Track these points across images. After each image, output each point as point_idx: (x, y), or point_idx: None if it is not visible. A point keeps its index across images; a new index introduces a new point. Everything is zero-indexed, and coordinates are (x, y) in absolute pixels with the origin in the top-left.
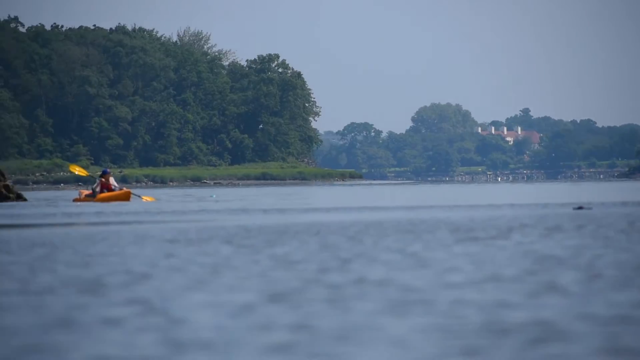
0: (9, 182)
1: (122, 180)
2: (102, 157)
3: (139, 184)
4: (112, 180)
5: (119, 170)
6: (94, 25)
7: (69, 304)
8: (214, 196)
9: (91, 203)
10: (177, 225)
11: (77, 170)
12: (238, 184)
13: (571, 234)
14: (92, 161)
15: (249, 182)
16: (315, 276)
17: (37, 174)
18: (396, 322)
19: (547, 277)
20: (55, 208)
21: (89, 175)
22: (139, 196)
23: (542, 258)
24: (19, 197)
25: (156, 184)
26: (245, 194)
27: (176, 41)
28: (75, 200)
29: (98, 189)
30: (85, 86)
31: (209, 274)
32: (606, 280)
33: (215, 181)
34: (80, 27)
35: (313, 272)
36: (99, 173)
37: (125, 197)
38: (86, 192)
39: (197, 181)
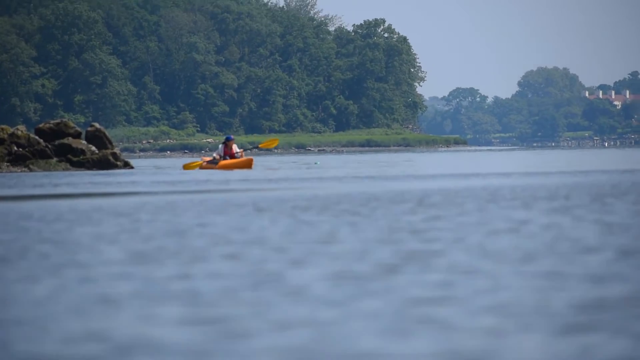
0: (116, 150)
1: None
2: (208, 124)
3: (244, 151)
4: (235, 147)
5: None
6: None
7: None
8: (318, 163)
9: (211, 170)
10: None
11: (189, 167)
12: (342, 150)
13: None
14: (198, 128)
15: (353, 149)
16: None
17: (143, 142)
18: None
19: None
20: (163, 176)
21: (209, 153)
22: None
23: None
24: (126, 165)
25: (261, 151)
26: (348, 161)
27: (283, 7)
28: (186, 167)
29: (220, 156)
30: (192, 53)
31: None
32: None
33: (319, 148)
34: None
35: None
36: (223, 140)
37: (248, 165)
38: (207, 158)
39: (301, 148)
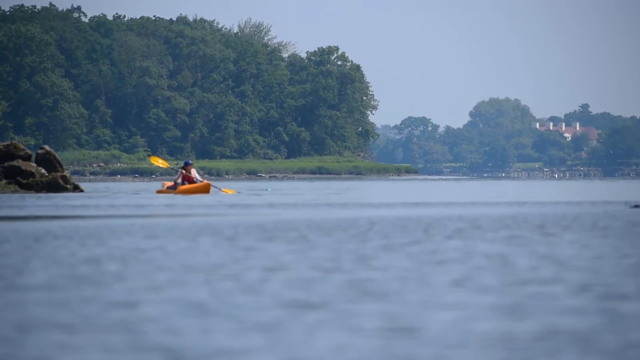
0: (66, 173)
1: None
2: (159, 149)
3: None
4: (194, 172)
5: (175, 162)
6: (155, 15)
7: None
8: (269, 189)
9: (170, 195)
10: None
11: (159, 162)
12: (293, 177)
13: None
14: (149, 153)
15: (304, 176)
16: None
17: (94, 165)
18: None
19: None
20: (111, 199)
21: (170, 168)
22: (219, 189)
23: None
24: (76, 188)
25: (212, 177)
26: (300, 188)
27: (237, 32)
28: (158, 192)
29: (179, 181)
30: (145, 77)
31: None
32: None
33: (270, 174)
34: (142, 17)
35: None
36: (181, 164)
37: (205, 190)
38: (168, 183)
39: (252, 174)
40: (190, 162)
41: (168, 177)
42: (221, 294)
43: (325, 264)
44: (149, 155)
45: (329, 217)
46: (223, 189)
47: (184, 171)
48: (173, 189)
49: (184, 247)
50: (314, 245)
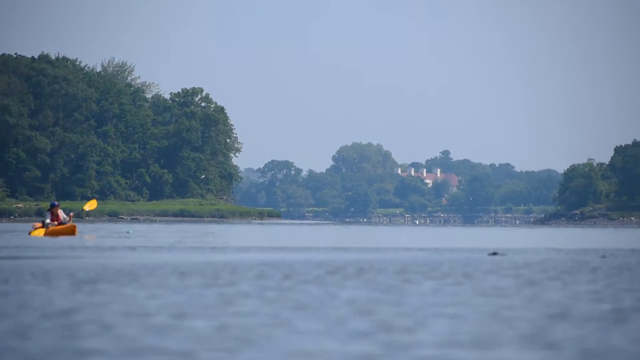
0: None
1: (38, 213)
2: (19, 190)
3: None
4: (61, 213)
5: (35, 203)
6: (16, 53)
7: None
8: (130, 232)
9: (38, 237)
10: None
11: (88, 206)
12: (155, 220)
13: (481, 280)
14: (9, 193)
15: (166, 218)
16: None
17: None
18: None
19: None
20: None
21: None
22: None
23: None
24: None
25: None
26: (159, 231)
27: (100, 71)
28: (30, 233)
29: (47, 221)
30: (5, 116)
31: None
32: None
33: (132, 217)
34: (3, 54)
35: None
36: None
37: (71, 231)
38: (39, 225)
39: (114, 216)
40: (56, 203)
41: (27, 218)
42: (78, 338)
43: (187, 309)
44: (8, 196)
45: (190, 261)
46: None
47: (52, 212)
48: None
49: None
50: (174, 289)
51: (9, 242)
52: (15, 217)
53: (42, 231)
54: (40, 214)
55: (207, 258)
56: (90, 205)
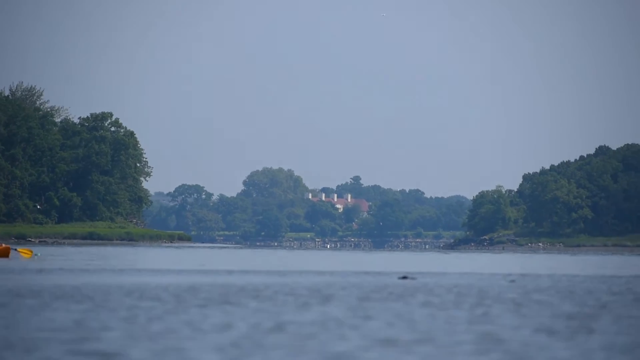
0: None
1: None
2: None
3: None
4: None
5: None
6: None
7: None
8: (39, 254)
9: None
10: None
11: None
12: (64, 242)
13: (389, 303)
14: None
15: (75, 241)
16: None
17: None
18: None
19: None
20: None
21: None
22: (16, 249)
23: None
24: None
25: None
26: (70, 253)
27: (8, 95)
28: None
29: None
30: None
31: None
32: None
33: (40, 239)
34: None
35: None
36: None
37: (5, 253)
38: None
39: (21, 239)
40: None
41: None
42: None
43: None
44: None
45: (102, 283)
46: (19, 250)
47: None
48: None
49: None
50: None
51: None
52: None
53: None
54: None
55: (107, 280)
56: (26, 253)
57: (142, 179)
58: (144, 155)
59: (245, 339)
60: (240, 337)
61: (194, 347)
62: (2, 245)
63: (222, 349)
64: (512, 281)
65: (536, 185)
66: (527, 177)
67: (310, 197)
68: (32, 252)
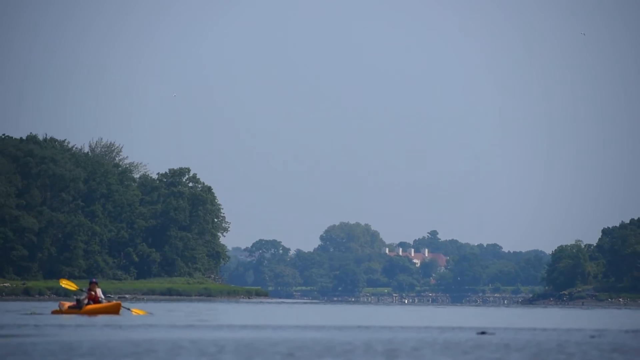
0: None
1: (25, 292)
2: (6, 268)
3: (41, 297)
4: (99, 292)
5: (22, 282)
6: (4, 134)
7: None
8: (153, 313)
9: (74, 316)
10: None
11: (66, 284)
12: (143, 298)
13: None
14: None
15: (154, 297)
16: None
17: None
18: None
19: None
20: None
21: (79, 289)
22: (129, 309)
23: None
24: None
25: (59, 297)
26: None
27: (87, 152)
28: (54, 312)
29: (85, 301)
30: None
31: None
32: None
33: (120, 295)
34: None
35: None
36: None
37: (115, 310)
38: (68, 303)
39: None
40: (94, 280)
41: (14, 297)
42: None
43: None
44: (57, 279)
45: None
46: (133, 310)
47: (90, 291)
48: (76, 308)
49: None
50: None
51: (66, 322)
52: (3, 296)
53: (90, 307)
54: (27, 292)
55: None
56: (140, 312)
57: (219, 234)
58: (221, 211)
59: None
60: None
61: None
62: (112, 301)
63: None
64: (593, 337)
65: (616, 239)
66: (606, 232)
67: (387, 251)
68: (146, 312)
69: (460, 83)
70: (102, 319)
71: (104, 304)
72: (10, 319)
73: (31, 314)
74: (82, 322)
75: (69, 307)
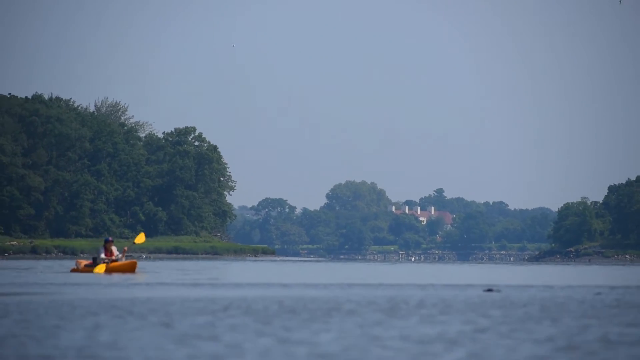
0: None
1: (32, 251)
2: (13, 227)
3: (49, 255)
4: (114, 250)
5: (29, 241)
6: (10, 93)
7: None
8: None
9: (92, 274)
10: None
11: (138, 240)
12: (149, 257)
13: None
14: (2, 231)
15: (160, 255)
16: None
17: None
18: None
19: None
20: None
21: (100, 247)
22: (133, 242)
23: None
24: None
25: (66, 255)
26: (166, 267)
27: (93, 111)
28: (73, 270)
29: (102, 259)
30: None
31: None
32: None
33: (126, 254)
34: None
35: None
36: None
37: (131, 268)
38: (85, 262)
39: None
40: (110, 238)
41: (22, 255)
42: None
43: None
44: (2, 234)
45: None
46: (135, 240)
47: (105, 249)
48: (92, 266)
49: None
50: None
51: (75, 280)
52: (10, 254)
53: (103, 267)
54: (34, 251)
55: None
56: (139, 238)
57: (225, 193)
58: (227, 170)
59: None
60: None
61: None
62: (123, 259)
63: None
64: (599, 294)
65: (622, 196)
66: (612, 189)
67: (393, 210)
68: (142, 235)
69: (465, 39)
70: (118, 277)
71: (121, 262)
72: (30, 278)
73: (42, 272)
74: (100, 281)
75: (85, 265)
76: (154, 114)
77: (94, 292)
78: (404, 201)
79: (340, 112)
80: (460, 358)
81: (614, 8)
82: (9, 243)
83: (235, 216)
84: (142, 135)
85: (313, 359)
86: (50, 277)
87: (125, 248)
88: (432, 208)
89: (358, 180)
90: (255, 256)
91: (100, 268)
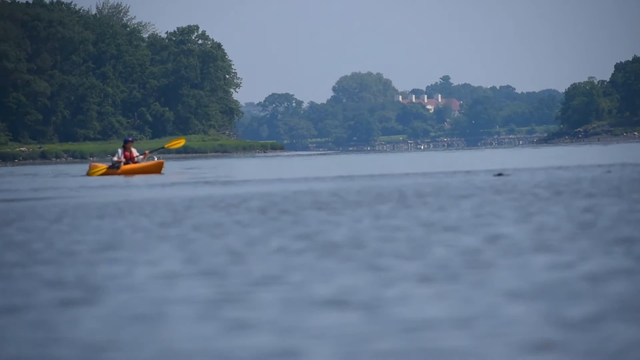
0: None
1: (42, 156)
2: (21, 133)
3: (58, 160)
4: (134, 151)
5: (38, 146)
6: None
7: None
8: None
9: (110, 177)
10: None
11: (173, 144)
12: (159, 157)
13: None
14: (11, 137)
15: (169, 155)
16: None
17: None
18: None
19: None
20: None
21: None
22: (162, 146)
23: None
24: None
25: (75, 159)
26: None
27: (95, 14)
28: (89, 174)
29: (122, 161)
30: (3, 61)
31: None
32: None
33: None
34: None
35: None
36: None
37: (157, 169)
38: (101, 165)
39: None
40: (130, 139)
41: (31, 161)
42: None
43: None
44: (10, 140)
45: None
46: (166, 145)
47: (124, 150)
48: (115, 168)
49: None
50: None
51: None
52: (20, 160)
53: (127, 167)
54: (44, 156)
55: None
56: (176, 143)
57: (232, 90)
58: (232, 67)
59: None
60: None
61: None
62: (153, 161)
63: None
64: (609, 172)
65: (629, 74)
66: (619, 67)
67: (400, 99)
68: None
69: None
70: (139, 178)
71: (144, 163)
72: (43, 182)
73: (55, 176)
74: (123, 183)
75: (109, 167)
76: (156, 15)
77: (133, 193)
78: (410, 90)
79: (343, 3)
80: (476, 241)
81: None
82: (18, 149)
83: (243, 113)
84: (145, 36)
85: (324, 246)
86: (79, 181)
87: (147, 152)
88: (439, 95)
89: (364, 71)
90: (265, 152)
91: (128, 168)
